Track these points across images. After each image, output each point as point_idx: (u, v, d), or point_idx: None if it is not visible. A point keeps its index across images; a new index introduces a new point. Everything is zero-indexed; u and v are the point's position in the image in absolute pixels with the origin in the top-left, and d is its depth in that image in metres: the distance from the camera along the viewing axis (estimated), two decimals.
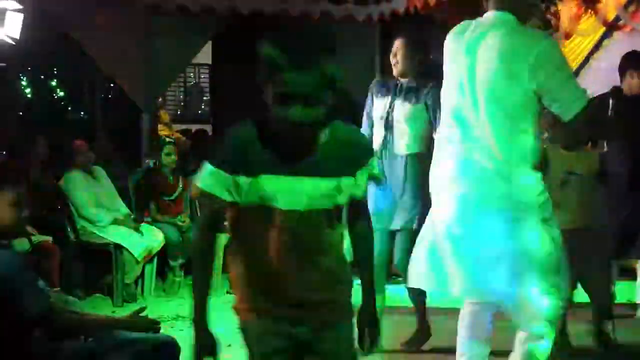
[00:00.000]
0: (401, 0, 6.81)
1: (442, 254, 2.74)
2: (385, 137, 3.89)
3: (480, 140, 2.64)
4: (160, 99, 8.47)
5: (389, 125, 3.88)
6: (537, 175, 2.65)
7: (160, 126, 8.38)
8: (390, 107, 3.89)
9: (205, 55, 11.04)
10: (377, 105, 3.96)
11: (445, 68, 2.85)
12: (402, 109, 3.86)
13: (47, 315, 2.47)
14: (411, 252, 3.80)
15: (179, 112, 14.83)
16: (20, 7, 5.60)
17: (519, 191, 2.61)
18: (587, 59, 5.94)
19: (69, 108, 11.01)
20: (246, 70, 9.39)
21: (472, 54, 2.68)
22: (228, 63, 10.47)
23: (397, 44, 3.93)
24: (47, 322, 2.48)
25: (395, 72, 3.95)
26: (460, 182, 2.69)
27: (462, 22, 2.86)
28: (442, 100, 2.87)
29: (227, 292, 5.67)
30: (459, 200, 2.68)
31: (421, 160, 3.76)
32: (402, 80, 3.93)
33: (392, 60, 3.95)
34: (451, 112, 2.76)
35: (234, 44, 9.64)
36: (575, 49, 6.20)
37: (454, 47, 2.80)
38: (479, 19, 2.79)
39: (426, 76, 3.90)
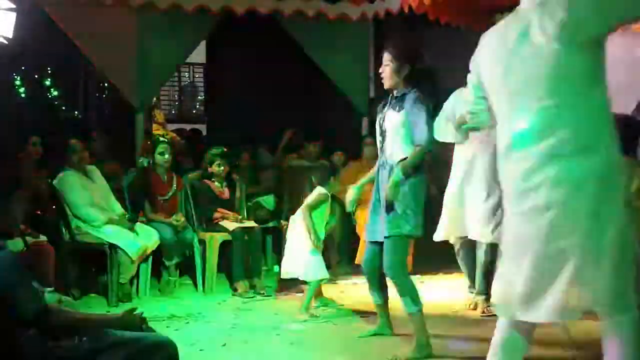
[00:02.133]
0: None
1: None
2: (381, 148, 4.05)
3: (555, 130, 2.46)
4: (154, 99, 8.46)
5: (382, 136, 4.03)
6: (607, 151, 2.46)
7: (155, 126, 8.37)
8: (382, 119, 4.04)
9: (199, 54, 11.04)
10: (378, 119, 4.11)
11: (483, 70, 2.72)
12: (390, 118, 3.99)
13: (41, 315, 2.47)
14: (399, 258, 3.92)
15: (173, 112, 14.82)
16: (13, 6, 5.58)
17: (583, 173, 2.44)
18: None
19: (63, 107, 10.98)
20: (240, 69, 9.44)
21: (515, 41, 2.54)
22: (222, 62, 10.48)
23: (385, 58, 3.98)
24: (41, 321, 2.48)
25: (386, 84, 4.02)
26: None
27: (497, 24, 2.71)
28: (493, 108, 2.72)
29: (233, 293, 5.68)
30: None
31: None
32: (394, 91, 4.02)
33: (382, 73, 4.01)
34: (501, 114, 2.64)
35: (229, 43, 9.67)
36: None
37: (492, 43, 2.66)
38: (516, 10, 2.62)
39: (416, 82, 3.96)
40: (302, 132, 7.44)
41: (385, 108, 4.05)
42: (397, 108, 3.96)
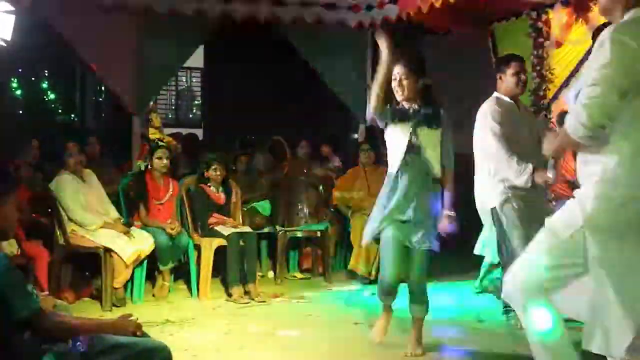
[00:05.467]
0: (393, 7, 6.84)
1: None
2: (409, 161, 4.00)
3: None
4: (152, 103, 8.47)
5: (413, 151, 4.00)
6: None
7: (151, 130, 8.37)
8: (414, 133, 4.00)
9: (197, 59, 11.06)
10: (394, 130, 4.06)
11: None
12: (426, 135, 4.00)
13: (35, 318, 2.46)
14: (426, 271, 4.02)
15: (170, 116, 14.82)
16: (12, 8, 5.58)
17: None
18: (577, 68, 5.97)
19: (60, 111, 10.99)
20: (238, 74, 9.44)
21: None
22: (220, 67, 10.50)
23: (401, 73, 3.99)
24: (35, 325, 2.47)
25: (400, 97, 4.03)
26: None
27: None
28: None
29: (228, 298, 5.68)
30: None
31: (437, 182, 4.06)
32: (413, 105, 4.02)
33: (397, 88, 4.00)
34: None
35: (226, 48, 9.69)
36: (566, 58, 6.24)
37: None
38: None
39: (428, 97, 4.04)
40: (281, 141, 7.49)
41: (411, 122, 4.00)
42: (434, 125, 4.00)
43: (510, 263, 3.80)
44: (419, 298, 4.08)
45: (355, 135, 8.01)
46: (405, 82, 3.98)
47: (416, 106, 4.02)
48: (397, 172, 4.02)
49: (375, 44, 4.21)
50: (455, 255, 6.95)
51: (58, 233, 5.38)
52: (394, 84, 4.01)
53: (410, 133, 4.00)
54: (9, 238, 2.91)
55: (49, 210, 5.52)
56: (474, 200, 4.61)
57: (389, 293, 4.15)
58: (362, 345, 4.29)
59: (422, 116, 4.01)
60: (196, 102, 15.18)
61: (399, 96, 4.02)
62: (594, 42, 4.19)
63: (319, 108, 9.47)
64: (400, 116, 4.03)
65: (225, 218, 5.98)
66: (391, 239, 4.00)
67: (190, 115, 15.30)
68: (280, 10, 7.15)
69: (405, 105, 4.03)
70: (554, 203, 5.20)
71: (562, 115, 4.27)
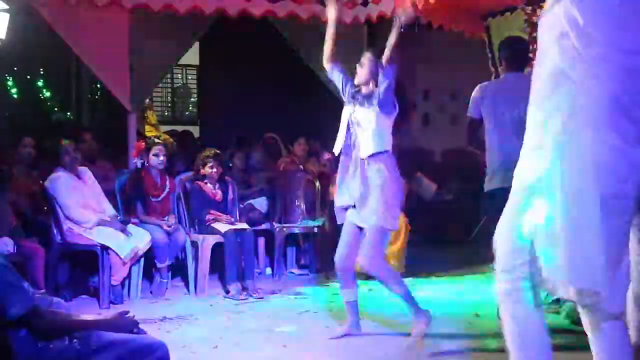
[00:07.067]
0: (388, 2, 6.83)
1: None
2: (346, 141, 4.18)
3: None
4: (147, 100, 8.44)
5: (351, 132, 4.18)
6: None
7: (147, 127, 8.37)
8: (352, 114, 4.18)
9: (192, 56, 11.05)
10: (345, 111, 4.25)
11: None
12: (360, 114, 4.14)
13: (31, 316, 2.46)
14: (376, 250, 4.02)
15: (166, 114, 14.79)
16: (7, 7, 5.57)
17: None
18: None
19: (55, 108, 10.96)
20: (233, 71, 9.42)
21: None
22: (215, 64, 10.48)
23: (364, 57, 4.17)
24: (31, 323, 2.47)
25: (356, 80, 4.19)
26: None
27: None
28: None
29: (226, 295, 5.69)
30: None
31: (381, 160, 4.08)
32: (363, 88, 4.19)
33: (358, 69, 4.17)
34: None
35: (222, 45, 9.67)
36: None
37: None
38: None
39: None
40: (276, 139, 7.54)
41: (354, 105, 4.18)
42: (367, 104, 4.11)
43: None
44: (379, 281, 4.14)
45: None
46: (364, 65, 4.13)
47: (364, 90, 4.16)
48: (340, 154, 4.19)
49: (371, 38, 4.35)
50: (451, 249, 7.01)
51: (54, 231, 5.37)
52: (357, 68, 4.17)
53: (351, 114, 4.16)
54: (3, 237, 2.92)
55: (45, 208, 5.51)
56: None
57: (340, 278, 4.29)
58: (359, 340, 4.30)
59: (361, 97, 4.15)
60: (192, 99, 15.16)
61: (356, 79, 4.17)
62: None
63: (314, 104, 9.45)
64: (348, 99, 4.22)
65: (222, 215, 5.98)
66: (346, 222, 4.24)
67: (187, 113, 15.27)
68: (275, 6, 7.13)
69: (363, 89, 4.17)
70: None
71: None
